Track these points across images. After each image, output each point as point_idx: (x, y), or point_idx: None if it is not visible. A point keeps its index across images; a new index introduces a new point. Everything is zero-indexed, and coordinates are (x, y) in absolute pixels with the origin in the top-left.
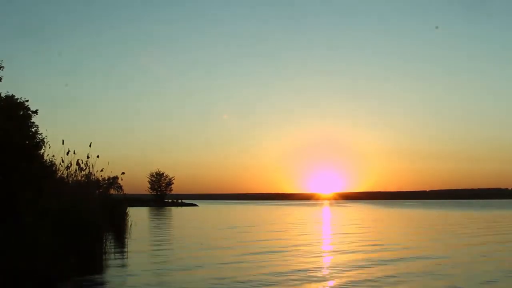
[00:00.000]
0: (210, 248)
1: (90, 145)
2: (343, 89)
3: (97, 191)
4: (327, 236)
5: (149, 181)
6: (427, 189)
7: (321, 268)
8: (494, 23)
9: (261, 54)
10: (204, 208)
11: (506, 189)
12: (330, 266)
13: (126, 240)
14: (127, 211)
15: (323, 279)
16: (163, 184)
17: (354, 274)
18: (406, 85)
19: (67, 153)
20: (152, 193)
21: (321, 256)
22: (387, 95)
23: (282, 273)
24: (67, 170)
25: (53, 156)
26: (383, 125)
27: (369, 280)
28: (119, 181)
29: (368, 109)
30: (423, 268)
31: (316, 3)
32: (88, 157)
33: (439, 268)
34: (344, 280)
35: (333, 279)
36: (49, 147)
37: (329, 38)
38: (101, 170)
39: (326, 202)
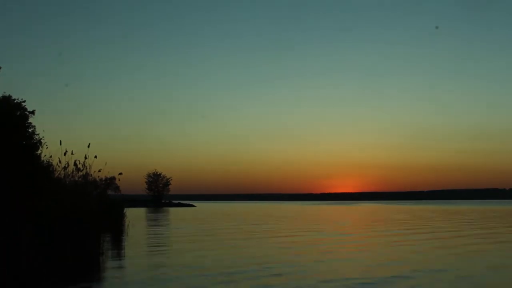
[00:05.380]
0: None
1: (88, 146)
2: (343, 90)
3: (94, 192)
4: None
5: (146, 182)
6: (425, 190)
7: None
8: (494, 23)
9: (260, 57)
10: (202, 208)
11: (504, 189)
12: None
13: (123, 240)
14: (124, 211)
15: None
16: (160, 185)
17: None
18: (406, 84)
19: (65, 154)
20: (149, 193)
21: None
22: (386, 95)
23: None
24: (64, 170)
25: (50, 156)
26: (382, 126)
27: None
28: (117, 181)
29: (368, 110)
30: None
31: (314, 4)
32: (85, 158)
33: None
34: None
35: None
36: (46, 148)
37: (326, 38)
38: (99, 171)
39: (317, 203)
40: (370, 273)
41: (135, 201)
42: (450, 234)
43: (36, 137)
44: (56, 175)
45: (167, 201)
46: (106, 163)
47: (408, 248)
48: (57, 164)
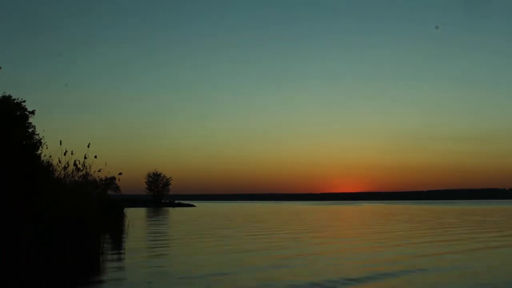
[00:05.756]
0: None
1: (88, 146)
2: (343, 90)
3: (94, 192)
4: None
5: (146, 182)
6: (424, 190)
7: None
8: (494, 23)
9: (261, 55)
10: (202, 208)
11: (504, 189)
12: None
13: (123, 240)
14: (124, 211)
15: None
16: (160, 185)
17: None
18: (406, 84)
19: (65, 154)
20: (149, 193)
21: None
22: (387, 96)
23: None
24: (64, 170)
25: (50, 156)
26: (381, 127)
27: None
28: (117, 181)
29: (368, 110)
30: None
31: (313, 6)
32: (85, 158)
33: None
34: None
35: None
36: (46, 148)
37: (327, 38)
38: (99, 171)
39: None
40: None
41: (135, 201)
42: None
43: (36, 137)
44: (56, 175)
45: (167, 201)
46: (106, 163)
47: None
48: (57, 164)
